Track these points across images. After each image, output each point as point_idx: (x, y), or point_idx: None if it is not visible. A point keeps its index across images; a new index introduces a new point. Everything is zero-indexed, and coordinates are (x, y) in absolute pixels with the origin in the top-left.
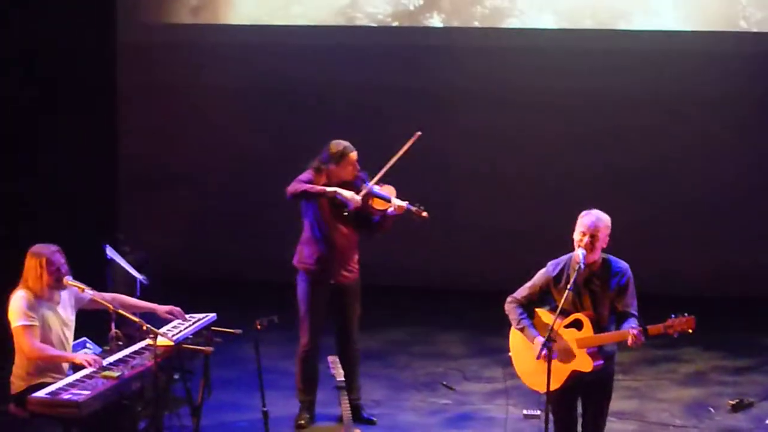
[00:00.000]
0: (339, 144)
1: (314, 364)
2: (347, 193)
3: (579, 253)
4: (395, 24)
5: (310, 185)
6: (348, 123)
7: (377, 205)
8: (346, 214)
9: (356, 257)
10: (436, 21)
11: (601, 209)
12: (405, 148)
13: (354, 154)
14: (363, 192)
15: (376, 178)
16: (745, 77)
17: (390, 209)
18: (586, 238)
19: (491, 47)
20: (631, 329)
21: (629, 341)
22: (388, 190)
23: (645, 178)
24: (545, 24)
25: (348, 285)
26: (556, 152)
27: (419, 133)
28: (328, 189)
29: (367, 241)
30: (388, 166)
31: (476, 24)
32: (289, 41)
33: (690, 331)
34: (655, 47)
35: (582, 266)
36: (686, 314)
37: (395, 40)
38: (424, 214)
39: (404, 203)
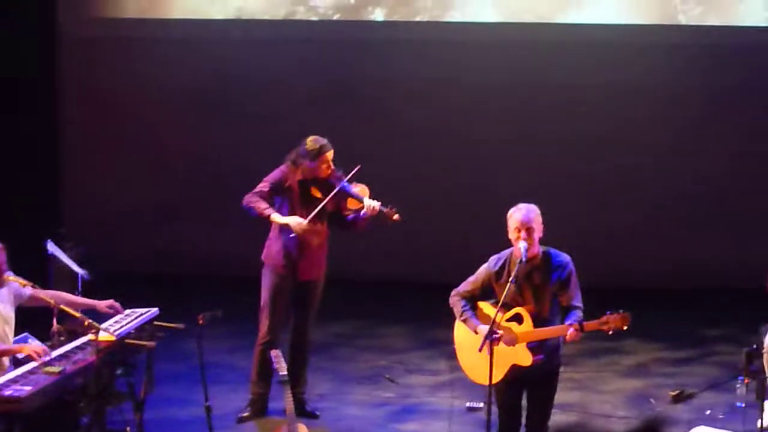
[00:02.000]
0: (317, 141)
1: (270, 357)
2: (290, 220)
3: (521, 246)
4: (337, 17)
5: (259, 206)
6: (289, 117)
7: (350, 204)
8: (292, 236)
9: (325, 252)
10: (378, 15)
11: (546, 202)
12: (347, 178)
13: (330, 153)
14: (330, 196)
15: (349, 176)
16: (688, 70)
17: (363, 210)
18: (522, 233)
19: (432, 40)
20: (568, 325)
21: (567, 337)
22: (362, 190)
23: (591, 172)
24: (486, 18)
25: (313, 281)
26: (499, 147)
27: (359, 166)
28: (272, 215)
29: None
30: (330, 195)
31: (418, 18)
32: (229, 35)
33: (624, 328)
34: (594, 40)
35: (524, 260)
36: (621, 311)
37: (336, 34)
38: (396, 216)
39: (377, 204)
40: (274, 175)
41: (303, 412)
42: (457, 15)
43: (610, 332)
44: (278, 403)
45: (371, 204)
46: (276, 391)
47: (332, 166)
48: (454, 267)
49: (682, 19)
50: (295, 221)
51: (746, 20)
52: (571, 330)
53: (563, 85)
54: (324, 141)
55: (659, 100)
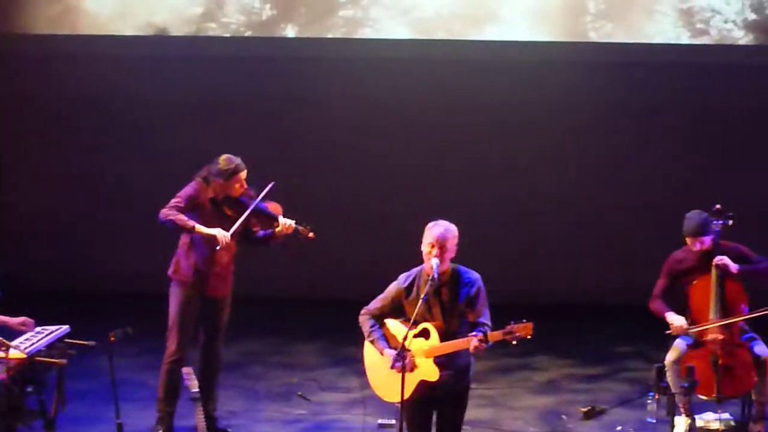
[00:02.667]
0: (230, 162)
1: (179, 375)
2: (213, 231)
3: (433, 263)
4: (248, 34)
5: (180, 219)
6: (198, 133)
7: (264, 222)
8: (218, 248)
9: (232, 268)
10: (290, 31)
11: (462, 217)
12: (260, 196)
13: (244, 173)
14: (238, 223)
15: (254, 203)
16: (595, 87)
17: (277, 227)
18: (435, 250)
19: (344, 57)
20: (472, 336)
21: (471, 348)
22: (275, 208)
23: (511, 186)
24: (398, 34)
25: (222, 298)
26: (410, 164)
27: (272, 183)
28: (196, 227)
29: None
30: (247, 212)
31: (330, 34)
32: (139, 51)
33: (528, 337)
34: (507, 57)
35: (436, 276)
36: (524, 321)
37: (247, 51)
38: (311, 235)
39: (292, 222)
40: (187, 191)
41: (214, 429)
42: (369, 32)
43: (514, 342)
44: (189, 421)
45: (286, 222)
46: (187, 409)
47: (245, 185)
48: (364, 284)
49: (593, 36)
50: (221, 233)
51: (656, 38)
52: (474, 341)
53: (475, 102)
54: (237, 161)
55: (569, 118)
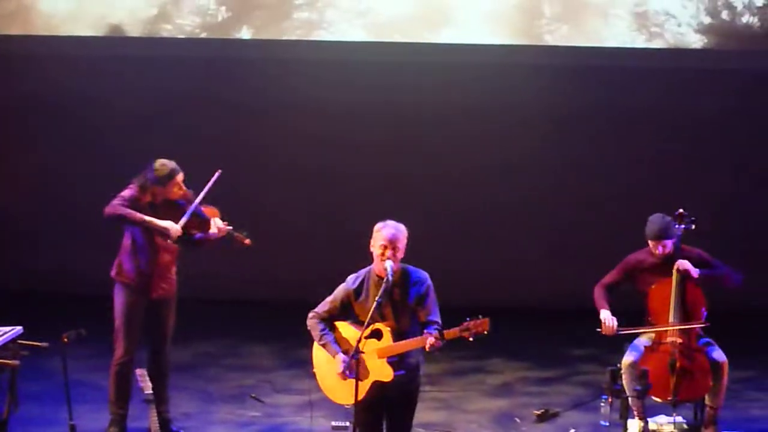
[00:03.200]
0: (165, 166)
1: (128, 377)
2: (166, 224)
3: (387, 266)
4: (204, 35)
5: (130, 212)
6: (148, 133)
7: (199, 225)
8: (169, 241)
9: (174, 269)
10: (245, 33)
11: (418, 218)
12: (207, 187)
13: (180, 176)
14: (186, 216)
15: (198, 199)
16: (551, 90)
17: (212, 231)
18: (388, 251)
19: (300, 60)
20: (427, 334)
21: (426, 346)
22: (212, 212)
23: (465, 190)
24: (354, 37)
25: (166, 298)
26: (361, 167)
27: (219, 171)
28: (147, 219)
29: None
30: (197, 201)
31: (285, 37)
32: (92, 52)
33: (485, 332)
34: (461, 60)
35: (390, 278)
36: (480, 317)
37: (203, 52)
38: (247, 241)
39: (227, 227)
40: (127, 193)
41: (168, 431)
42: (324, 34)
43: (471, 338)
44: (143, 422)
45: (222, 226)
46: (140, 410)
47: (183, 188)
48: (315, 286)
49: (549, 39)
50: (173, 225)
51: (610, 41)
52: (431, 339)
53: (430, 105)
54: (173, 164)
55: (524, 121)
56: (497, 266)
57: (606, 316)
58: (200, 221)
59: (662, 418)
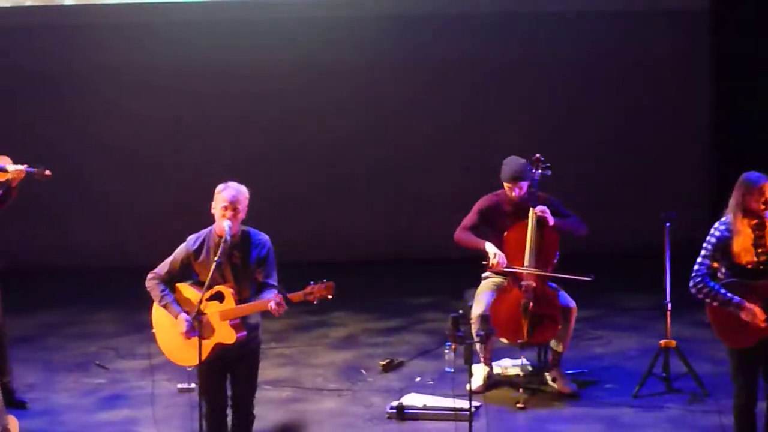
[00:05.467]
0: None
1: None
2: None
3: (225, 225)
4: (29, 3)
5: None
6: None
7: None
8: None
9: None
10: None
11: (260, 178)
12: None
13: None
14: None
15: None
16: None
17: (9, 177)
18: (228, 212)
19: (123, 24)
20: (272, 298)
21: (272, 310)
22: (3, 160)
23: (285, 143)
24: None
25: None
26: (191, 122)
27: (48, 173)
28: None
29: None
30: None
31: (106, 0)
32: None
33: (330, 297)
34: (268, 17)
35: (228, 238)
36: (325, 281)
37: (26, 19)
38: (47, 172)
39: (23, 167)
40: None
41: (12, 402)
42: None
43: (315, 302)
44: None
45: (17, 168)
46: None
47: None
48: (153, 248)
49: None
50: None
51: None
52: (272, 303)
53: (247, 64)
54: None
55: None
56: (340, 219)
57: (494, 250)
58: None
59: (506, 362)
